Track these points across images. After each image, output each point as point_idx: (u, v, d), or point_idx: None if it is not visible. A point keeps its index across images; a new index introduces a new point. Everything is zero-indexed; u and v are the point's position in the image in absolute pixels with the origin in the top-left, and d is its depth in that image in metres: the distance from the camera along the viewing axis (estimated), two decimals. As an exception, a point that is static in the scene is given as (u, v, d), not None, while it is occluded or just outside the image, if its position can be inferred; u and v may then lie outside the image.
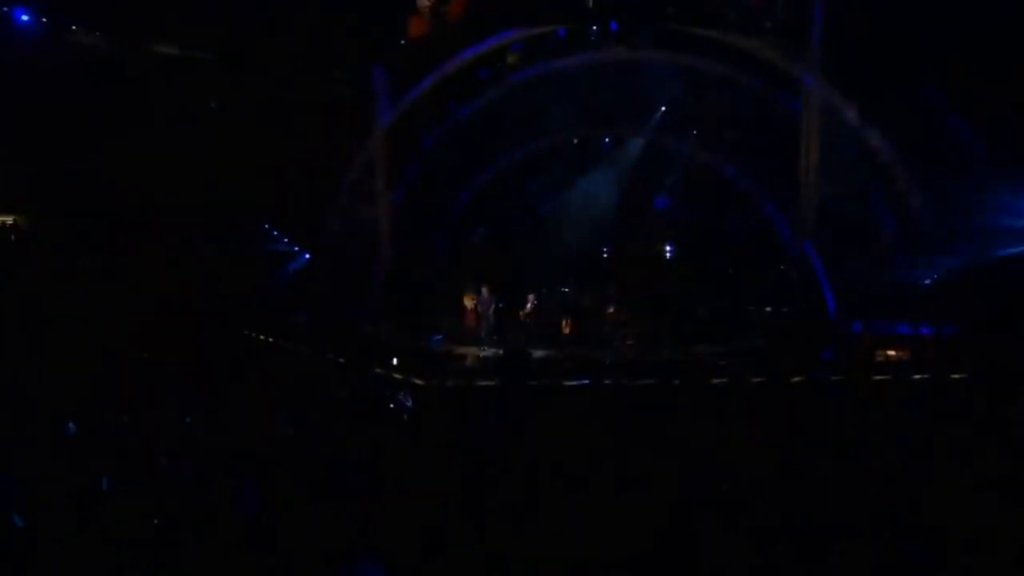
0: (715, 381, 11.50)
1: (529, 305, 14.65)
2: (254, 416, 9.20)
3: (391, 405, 10.41)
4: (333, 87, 17.87)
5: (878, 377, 11.14)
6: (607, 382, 11.68)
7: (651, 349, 13.66)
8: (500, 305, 14.92)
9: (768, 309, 15.76)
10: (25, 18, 15.60)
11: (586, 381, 11.59)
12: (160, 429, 8.79)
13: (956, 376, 10.63)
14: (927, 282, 14.05)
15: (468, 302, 15.85)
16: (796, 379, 11.25)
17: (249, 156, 16.55)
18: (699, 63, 15.82)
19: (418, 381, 11.92)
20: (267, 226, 19.28)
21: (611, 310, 14.53)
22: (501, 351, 13.36)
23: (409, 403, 10.50)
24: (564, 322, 14.79)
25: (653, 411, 9.77)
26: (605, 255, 19.55)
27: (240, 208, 17.48)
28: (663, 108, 18.40)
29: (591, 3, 16.12)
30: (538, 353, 13.24)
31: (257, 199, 17.57)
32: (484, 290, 15.14)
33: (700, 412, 9.75)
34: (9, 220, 17.31)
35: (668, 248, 19.59)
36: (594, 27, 16.54)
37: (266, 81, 17.72)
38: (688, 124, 18.12)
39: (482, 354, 14.09)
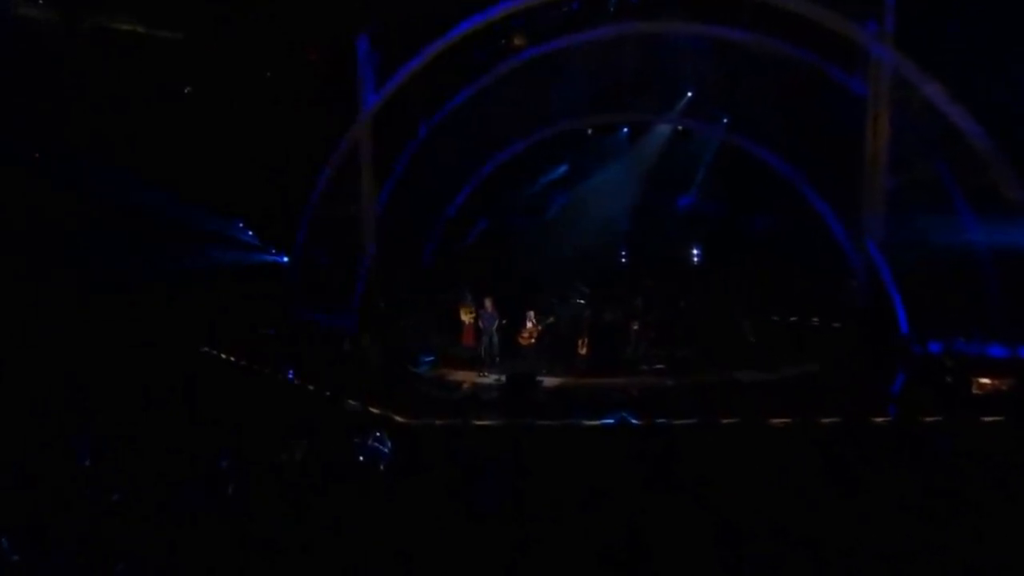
0: (774, 422, 9.18)
1: (534, 322, 12.25)
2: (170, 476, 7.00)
3: (360, 456, 8.16)
4: (311, 67, 15.67)
5: (987, 418, 8.78)
6: (635, 421, 9.31)
7: (686, 375, 11.47)
8: (503, 321, 12.59)
9: (823, 324, 13.45)
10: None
11: (610, 420, 9.28)
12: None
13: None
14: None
15: (465, 316, 13.58)
16: (878, 421, 8.97)
17: (218, 146, 14.63)
18: (735, 35, 13.56)
19: (399, 418, 9.67)
20: (240, 224, 17.01)
21: (636, 327, 12.34)
22: (504, 377, 11.09)
23: (387, 449, 8.26)
24: (580, 341, 12.49)
25: (694, 460, 7.72)
26: (624, 260, 17.48)
27: (208, 203, 15.51)
28: (691, 92, 16.27)
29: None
30: (549, 380, 11.21)
31: (227, 194, 15.47)
32: (487, 302, 12.76)
33: (754, 462, 7.62)
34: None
35: (696, 252, 17.35)
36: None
37: (237, 61, 15.58)
38: (721, 108, 16.01)
39: (481, 380, 11.81)
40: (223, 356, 12.95)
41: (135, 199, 14.62)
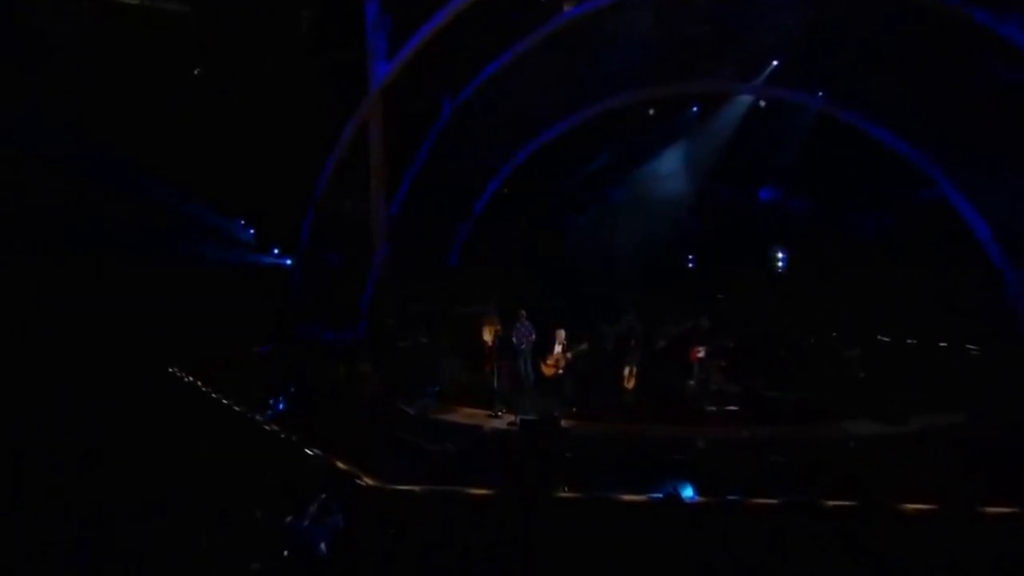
0: (909, 508, 6.39)
1: (564, 344, 9.71)
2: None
3: (293, 542, 5.97)
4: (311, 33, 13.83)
5: None
6: (691, 496, 6.90)
7: (770, 424, 9.01)
8: (533, 337, 10.16)
9: (957, 350, 10.82)
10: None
11: (658, 495, 6.68)
12: None
13: None
14: None
15: (488, 335, 11.14)
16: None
17: (215, 133, 13.20)
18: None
19: (368, 480, 7.36)
20: (242, 222, 15.55)
21: (700, 353, 10.09)
22: (519, 420, 8.70)
23: (331, 527, 6.10)
24: (627, 371, 9.95)
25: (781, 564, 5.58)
26: (691, 266, 15.22)
27: (204, 196, 14.01)
28: (778, 55, 13.59)
29: None
30: (580, 426, 9.06)
31: (225, 187, 13.95)
32: (523, 315, 10.50)
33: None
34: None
35: (781, 257, 14.57)
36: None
37: (233, 33, 14.00)
38: (818, 74, 13.21)
39: (494, 423, 9.42)
40: (189, 379, 11.03)
41: (126, 189, 13.24)
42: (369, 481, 7.42)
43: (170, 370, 11.64)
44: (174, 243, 13.54)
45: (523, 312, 10.50)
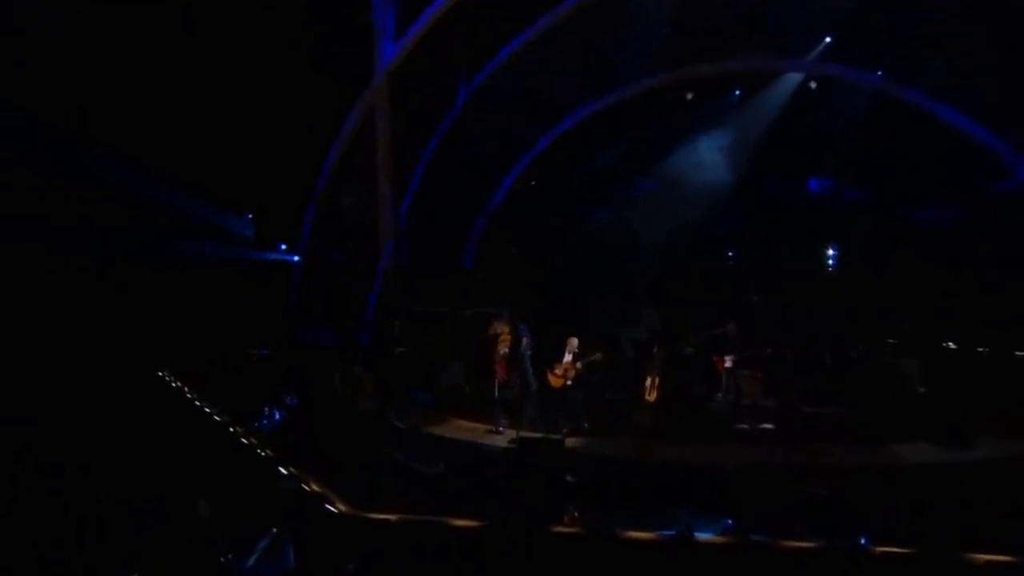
0: (977, 557, 5.40)
1: (576, 352, 8.86)
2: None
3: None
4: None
5: None
6: (708, 535, 5.88)
7: (810, 446, 8.12)
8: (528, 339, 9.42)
9: None
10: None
11: (671, 532, 5.85)
12: None
13: None
14: None
15: (500, 341, 10.32)
16: None
17: (212, 122, 12.62)
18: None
19: (340, 506, 6.66)
20: (249, 217, 15.11)
21: (728, 364, 9.16)
22: (517, 438, 7.95)
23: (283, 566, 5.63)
24: (649, 380, 9.18)
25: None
26: (731, 263, 14.39)
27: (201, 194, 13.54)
28: (831, 30, 12.70)
29: None
30: (589, 445, 8.28)
31: (225, 181, 13.38)
32: (521, 317, 9.90)
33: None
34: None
35: (831, 254, 13.73)
36: None
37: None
38: (877, 48, 12.28)
39: (493, 440, 8.69)
40: (176, 384, 10.57)
41: (121, 185, 12.88)
42: (341, 507, 6.75)
43: (159, 374, 11.30)
44: (172, 240, 13.23)
45: (520, 314, 9.84)
